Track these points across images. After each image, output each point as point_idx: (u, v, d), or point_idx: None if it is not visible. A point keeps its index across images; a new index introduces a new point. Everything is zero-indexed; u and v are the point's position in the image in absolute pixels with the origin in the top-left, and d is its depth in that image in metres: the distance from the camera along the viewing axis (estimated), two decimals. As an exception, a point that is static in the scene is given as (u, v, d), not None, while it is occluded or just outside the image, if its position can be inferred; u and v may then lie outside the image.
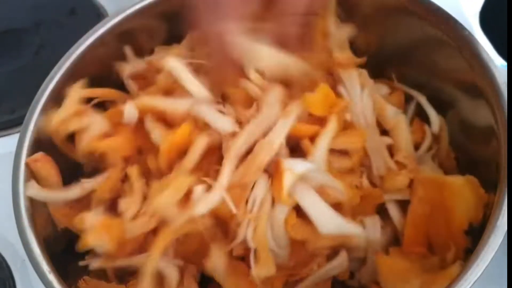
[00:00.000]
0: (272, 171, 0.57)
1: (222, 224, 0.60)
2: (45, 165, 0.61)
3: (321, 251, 0.59)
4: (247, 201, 0.56)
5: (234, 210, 0.55)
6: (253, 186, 0.57)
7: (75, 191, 0.62)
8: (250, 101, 0.61)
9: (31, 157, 0.61)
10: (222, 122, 0.59)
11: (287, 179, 0.54)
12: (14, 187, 0.59)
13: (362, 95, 0.64)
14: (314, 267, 0.60)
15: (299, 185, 0.56)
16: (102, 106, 0.67)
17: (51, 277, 0.54)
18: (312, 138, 0.59)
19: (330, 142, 0.58)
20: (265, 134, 0.57)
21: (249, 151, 0.58)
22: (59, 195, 0.62)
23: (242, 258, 0.60)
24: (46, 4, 1.00)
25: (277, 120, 0.58)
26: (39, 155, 0.61)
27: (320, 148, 0.58)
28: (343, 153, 0.61)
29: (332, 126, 0.58)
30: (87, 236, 0.56)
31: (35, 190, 0.60)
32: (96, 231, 0.56)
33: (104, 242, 0.56)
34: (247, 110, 0.59)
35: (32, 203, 0.60)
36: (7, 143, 0.83)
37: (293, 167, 0.54)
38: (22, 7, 1.01)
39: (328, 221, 0.54)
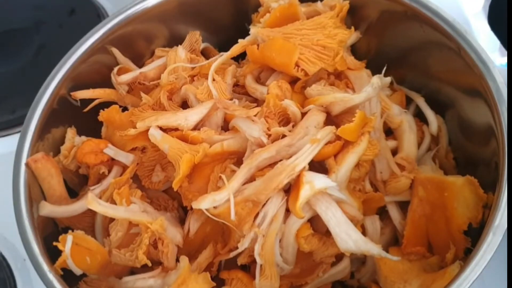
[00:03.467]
0: (292, 182, 0.56)
1: (225, 230, 0.60)
2: (46, 165, 0.61)
3: (328, 259, 0.60)
4: (256, 215, 0.56)
5: (233, 216, 0.54)
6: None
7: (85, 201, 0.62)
8: (286, 119, 0.60)
9: (31, 157, 0.61)
10: (251, 129, 0.58)
11: (305, 192, 0.53)
12: (15, 187, 0.59)
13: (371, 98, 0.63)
14: (319, 274, 0.60)
15: (322, 198, 0.55)
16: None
17: (51, 277, 0.54)
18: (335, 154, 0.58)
19: (356, 161, 0.57)
20: (291, 154, 0.56)
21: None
22: (72, 208, 0.61)
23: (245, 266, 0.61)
24: (46, 4, 1.00)
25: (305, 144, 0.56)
26: (40, 155, 0.61)
27: (345, 166, 0.57)
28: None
29: (363, 146, 0.57)
30: (67, 257, 0.55)
31: (49, 209, 0.60)
32: (78, 254, 0.56)
33: (86, 266, 0.56)
34: (281, 127, 0.58)
35: (33, 203, 0.60)
36: (7, 143, 0.83)
37: (314, 182, 0.54)
38: (22, 7, 1.01)
39: (348, 238, 0.54)
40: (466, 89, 0.63)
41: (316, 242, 0.57)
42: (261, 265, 0.56)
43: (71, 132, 0.66)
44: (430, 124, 0.68)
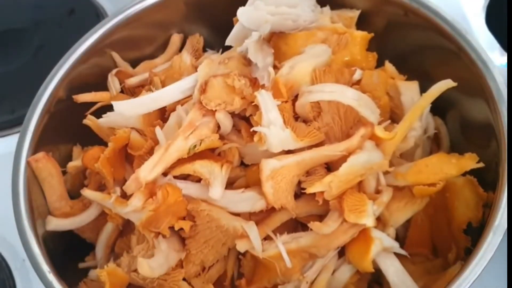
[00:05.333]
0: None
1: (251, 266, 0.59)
2: (47, 165, 0.61)
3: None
4: None
5: (288, 264, 0.53)
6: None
7: (93, 211, 0.62)
8: None
9: (32, 157, 0.61)
10: None
11: (375, 248, 0.54)
12: (14, 187, 0.59)
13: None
14: None
15: (383, 252, 0.55)
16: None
17: (51, 277, 0.54)
18: None
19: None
20: None
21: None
22: (79, 220, 0.62)
23: None
24: (46, 4, 1.00)
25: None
26: (41, 154, 0.61)
27: (402, 221, 0.58)
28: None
29: (423, 205, 0.58)
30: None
31: (55, 223, 0.60)
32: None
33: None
34: None
35: (32, 203, 0.60)
36: (7, 143, 0.83)
37: (383, 239, 0.54)
38: (22, 7, 1.01)
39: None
40: (466, 90, 0.62)
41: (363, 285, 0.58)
42: None
43: (77, 150, 0.67)
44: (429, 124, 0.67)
